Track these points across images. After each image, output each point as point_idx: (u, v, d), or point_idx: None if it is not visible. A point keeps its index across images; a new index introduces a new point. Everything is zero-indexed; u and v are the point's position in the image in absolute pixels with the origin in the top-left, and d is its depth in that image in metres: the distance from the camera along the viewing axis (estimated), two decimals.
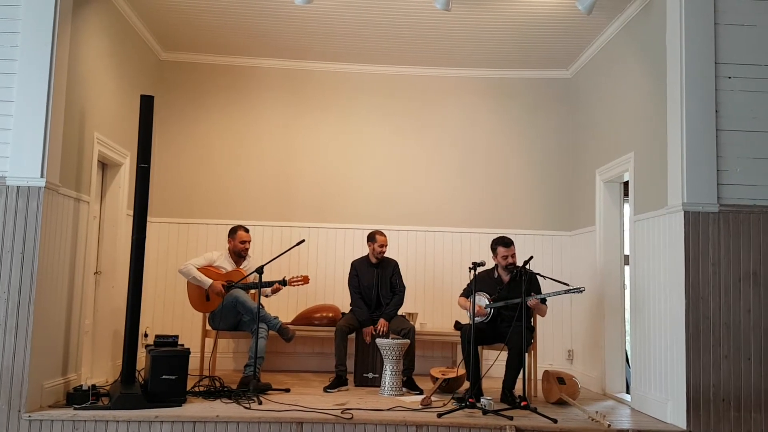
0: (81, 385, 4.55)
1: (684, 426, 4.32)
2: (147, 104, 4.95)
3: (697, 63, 4.53)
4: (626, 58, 5.64)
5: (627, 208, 5.77)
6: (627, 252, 5.69)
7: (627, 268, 5.66)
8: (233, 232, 5.91)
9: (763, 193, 4.50)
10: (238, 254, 5.90)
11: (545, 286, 5.37)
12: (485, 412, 4.50)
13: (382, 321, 5.71)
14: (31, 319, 4.23)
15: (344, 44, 6.55)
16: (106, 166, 5.73)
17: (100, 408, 4.31)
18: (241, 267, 5.89)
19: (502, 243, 5.39)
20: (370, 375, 5.73)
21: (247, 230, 5.93)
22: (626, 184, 5.78)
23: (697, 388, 4.34)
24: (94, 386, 4.51)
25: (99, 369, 5.56)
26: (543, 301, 5.28)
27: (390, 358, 5.32)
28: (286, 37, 6.44)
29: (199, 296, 5.71)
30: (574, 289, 4.93)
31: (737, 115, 4.54)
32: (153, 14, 5.96)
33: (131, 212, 5.04)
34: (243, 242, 5.87)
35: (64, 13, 4.54)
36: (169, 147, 6.87)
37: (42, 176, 4.33)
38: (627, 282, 5.67)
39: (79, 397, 4.39)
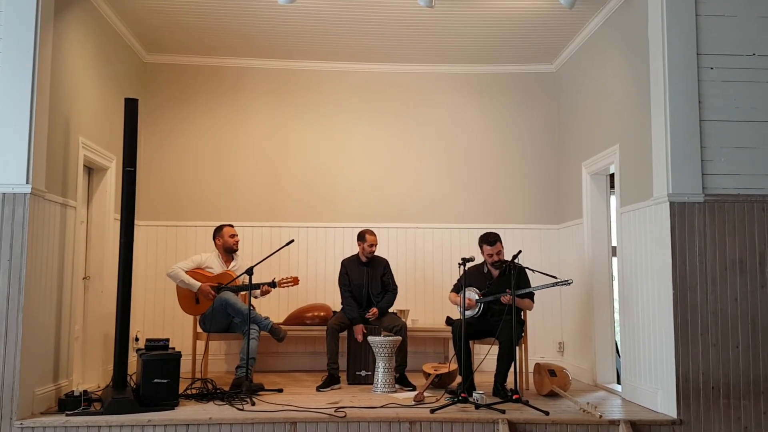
0: (72, 391, 4.53)
1: (674, 415, 4.37)
2: (131, 107, 4.93)
3: (679, 54, 4.57)
4: (609, 51, 5.67)
5: (613, 200, 5.81)
6: (614, 243, 5.72)
7: (615, 260, 5.70)
8: (218, 230, 5.91)
9: (747, 182, 4.55)
10: (229, 250, 5.89)
11: (534, 280, 5.40)
12: (478, 406, 4.52)
13: (373, 309, 5.71)
14: (21, 326, 4.21)
15: (330, 43, 6.55)
16: (92, 170, 5.71)
17: (92, 413, 4.29)
18: (230, 267, 5.88)
19: (486, 241, 5.40)
20: (363, 373, 5.74)
21: (231, 225, 5.94)
22: (612, 176, 5.82)
23: (686, 377, 4.38)
24: (85, 392, 4.49)
25: (90, 374, 5.53)
26: (531, 296, 5.32)
27: (382, 355, 5.33)
28: (271, 37, 6.43)
29: (189, 299, 5.69)
30: (561, 281, 4.96)
31: (720, 105, 4.58)
32: (135, 17, 5.92)
33: (118, 216, 5.02)
34: (232, 236, 5.88)
35: (45, 18, 4.50)
36: (156, 150, 6.85)
37: (27, 182, 4.31)
38: (615, 273, 5.71)
39: (70, 403, 4.37)
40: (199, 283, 5.62)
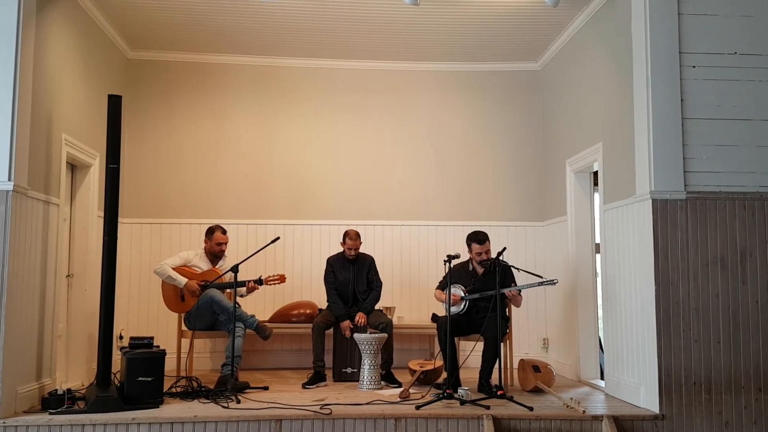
0: (56, 390, 4.50)
1: (657, 410, 4.41)
2: (115, 104, 4.90)
3: (661, 53, 4.61)
4: (593, 50, 5.71)
5: (597, 198, 5.85)
6: (598, 240, 5.76)
7: (598, 257, 5.74)
8: (210, 232, 5.85)
9: (728, 180, 4.59)
10: (214, 255, 5.86)
11: (519, 278, 5.43)
12: (463, 402, 4.55)
13: (360, 314, 5.73)
14: (3, 324, 4.17)
15: (315, 40, 6.54)
16: (75, 167, 5.66)
17: (76, 412, 4.27)
18: (217, 266, 5.85)
19: (475, 240, 5.41)
20: (349, 370, 5.75)
21: (224, 231, 5.86)
22: (596, 173, 5.86)
23: (668, 373, 4.43)
24: (69, 390, 4.45)
25: (74, 373, 5.50)
26: (519, 291, 5.35)
27: (368, 352, 5.34)
28: (255, 34, 6.40)
29: (175, 296, 5.67)
30: (547, 281, 5.00)
31: (702, 103, 4.63)
32: (119, 13, 5.88)
33: (102, 214, 4.99)
34: (219, 244, 5.82)
35: (27, 15, 4.46)
36: (140, 147, 6.81)
37: (10, 179, 4.27)
38: (599, 270, 5.75)
39: (54, 402, 4.34)
40: (185, 279, 5.60)
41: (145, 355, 4.62)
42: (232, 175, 6.91)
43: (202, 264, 5.80)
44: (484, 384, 5.06)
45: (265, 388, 5.28)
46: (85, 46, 5.61)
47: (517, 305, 5.44)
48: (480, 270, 5.45)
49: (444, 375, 5.30)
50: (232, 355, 5.30)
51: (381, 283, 6.01)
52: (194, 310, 5.57)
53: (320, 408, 4.39)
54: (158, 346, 4.80)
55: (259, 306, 6.58)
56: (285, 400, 4.68)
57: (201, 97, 6.96)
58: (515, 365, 5.70)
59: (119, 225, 4.93)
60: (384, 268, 6.44)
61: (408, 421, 4.27)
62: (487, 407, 4.39)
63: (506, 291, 5.18)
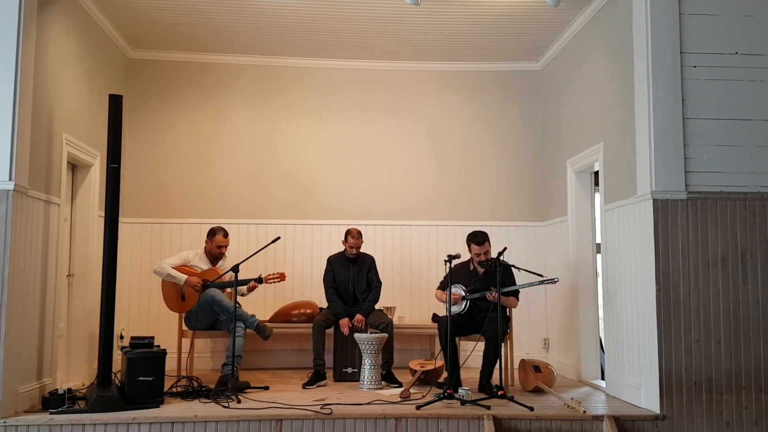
0: (56, 389, 4.49)
1: (657, 410, 4.41)
2: (116, 103, 4.90)
3: (662, 53, 4.61)
4: (594, 50, 5.71)
5: (598, 198, 5.85)
6: (599, 240, 5.76)
7: (599, 257, 5.74)
8: (212, 234, 5.83)
9: (729, 180, 4.59)
10: (214, 256, 5.85)
11: (520, 277, 5.42)
12: (463, 402, 4.54)
13: (358, 316, 5.73)
14: (4, 323, 4.17)
15: (316, 40, 6.54)
16: (75, 167, 5.66)
17: (76, 412, 4.27)
18: (217, 266, 5.84)
19: (474, 241, 5.40)
20: (349, 370, 5.75)
21: (226, 235, 5.83)
22: (597, 173, 5.85)
23: (669, 373, 4.43)
24: (69, 390, 4.45)
25: (74, 372, 5.50)
26: (516, 293, 5.35)
27: (369, 352, 5.34)
28: (257, 33, 6.40)
29: (175, 296, 5.66)
30: (547, 280, 4.99)
31: (703, 103, 4.63)
32: (120, 12, 5.88)
33: (103, 213, 4.99)
34: (219, 246, 5.80)
35: (28, 14, 4.46)
36: (141, 146, 6.80)
37: (10, 179, 4.27)
38: (599, 270, 5.75)
39: (54, 402, 4.34)
40: (185, 276, 5.59)
41: (146, 355, 4.63)
42: (232, 175, 6.91)
43: (202, 264, 5.80)
44: (485, 384, 5.06)
45: (266, 388, 5.28)
46: (85, 45, 5.61)
47: (512, 306, 5.43)
48: (481, 270, 5.45)
49: (444, 375, 5.30)
50: (232, 354, 5.30)
51: (380, 282, 6.01)
52: (194, 310, 5.57)
53: (321, 408, 4.39)
54: (159, 346, 4.81)
55: (259, 306, 6.58)
56: (285, 400, 4.68)
57: (202, 96, 6.96)
58: (516, 365, 5.70)
59: (120, 225, 4.93)
60: (384, 268, 6.44)
61: (408, 421, 4.27)
62: (488, 407, 4.39)
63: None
